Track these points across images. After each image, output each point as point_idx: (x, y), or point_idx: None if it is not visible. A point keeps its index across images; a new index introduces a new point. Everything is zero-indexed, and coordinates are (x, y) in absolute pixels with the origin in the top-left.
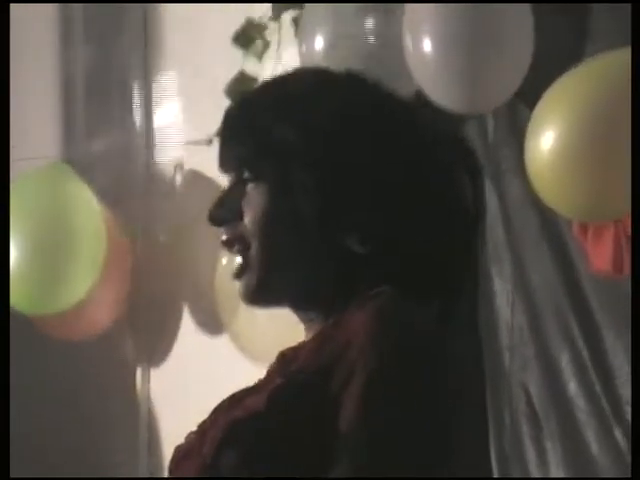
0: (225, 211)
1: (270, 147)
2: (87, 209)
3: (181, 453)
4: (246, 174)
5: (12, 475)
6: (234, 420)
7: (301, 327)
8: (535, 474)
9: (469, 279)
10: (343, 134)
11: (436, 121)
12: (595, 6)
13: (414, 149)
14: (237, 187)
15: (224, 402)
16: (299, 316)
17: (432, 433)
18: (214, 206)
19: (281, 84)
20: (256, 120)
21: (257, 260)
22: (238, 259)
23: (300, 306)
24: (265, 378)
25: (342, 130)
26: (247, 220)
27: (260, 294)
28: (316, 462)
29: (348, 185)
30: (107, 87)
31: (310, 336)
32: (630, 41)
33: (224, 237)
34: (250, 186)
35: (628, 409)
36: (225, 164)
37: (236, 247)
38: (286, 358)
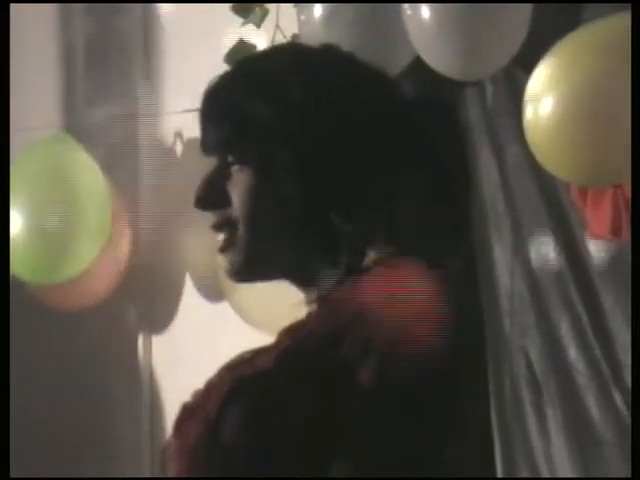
0: (212, 195)
1: (249, 128)
2: (91, 179)
3: (187, 411)
4: (229, 157)
5: (12, 449)
6: (241, 377)
7: (299, 293)
8: (536, 441)
9: (463, 245)
10: (319, 110)
11: (419, 91)
12: None
13: (393, 120)
14: (222, 170)
15: (232, 361)
16: (304, 295)
17: (445, 401)
18: (200, 190)
19: (256, 62)
20: (233, 100)
21: (243, 240)
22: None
23: (296, 284)
24: (274, 342)
25: (318, 106)
26: (234, 203)
27: (244, 272)
28: (320, 425)
29: (328, 162)
30: (108, 57)
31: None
32: (628, 8)
33: (213, 221)
34: (234, 169)
35: (628, 373)
36: (207, 147)
37: (225, 229)
38: (295, 326)
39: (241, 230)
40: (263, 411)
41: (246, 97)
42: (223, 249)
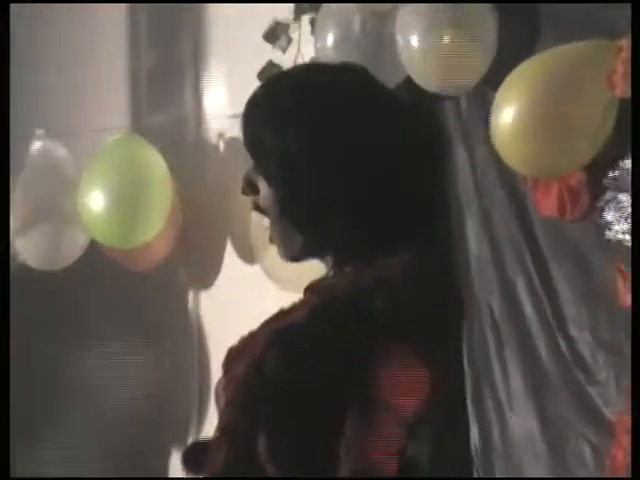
0: (247, 188)
1: (262, 150)
2: (157, 170)
3: (234, 353)
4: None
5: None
6: (279, 328)
7: (315, 262)
8: (498, 376)
9: (442, 226)
10: (326, 131)
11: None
12: (544, 11)
13: (392, 128)
14: (254, 169)
15: (272, 316)
16: (323, 263)
17: (436, 340)
18: (242, 183)
19: (272, 89)
20: (253, 128)
21: (277, 240)
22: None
23: (320, 259)
24: (302, 301)
25: (328, 126)
26: (260, 194)
27: (290, 260)
28: (341, 365)
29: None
30: (166, 73)
31: (330, 275)
32: (570, 39)
33: (250, 203)
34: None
35: (570, 323)
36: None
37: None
38: (318, 287)
39: (270, 226)
40: (297, 354)
41: (263, 125)
42: (271, 240)
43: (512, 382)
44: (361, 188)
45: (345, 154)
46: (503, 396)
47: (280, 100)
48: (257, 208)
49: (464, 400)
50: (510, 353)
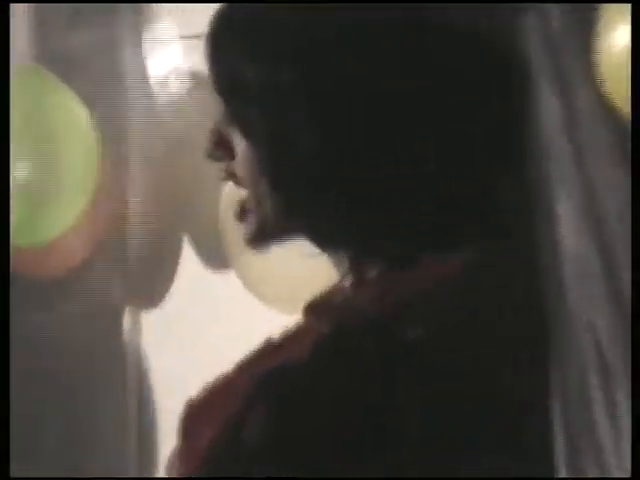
0: (217, 149)
1: (236, 87)
2: (73, 120)
3: (197, 409)
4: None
5: None
6: (268, 370)
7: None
8: (605, 432)
9: (516, 209)
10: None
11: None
12: None
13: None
14: (227, 119)
15: (256, 352)
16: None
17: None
18: (208, 142)
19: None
20: (225, 55)
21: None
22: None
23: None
24: (302, 327)
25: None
26: (237, 161)
27: (260, 241)
28: (368, 424)
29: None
30: None
31: (344, 285)
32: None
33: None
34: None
35: None
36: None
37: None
38: (326, 307)
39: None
40: (295, 409)
41: (241, 50)
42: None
43: (626, 440)
44: (388, 145)
45: (365, 91)
46: (612, 461)
47: (267, 10)
48: (232, 179)
49: (551, 465)
50: (624, 398)
